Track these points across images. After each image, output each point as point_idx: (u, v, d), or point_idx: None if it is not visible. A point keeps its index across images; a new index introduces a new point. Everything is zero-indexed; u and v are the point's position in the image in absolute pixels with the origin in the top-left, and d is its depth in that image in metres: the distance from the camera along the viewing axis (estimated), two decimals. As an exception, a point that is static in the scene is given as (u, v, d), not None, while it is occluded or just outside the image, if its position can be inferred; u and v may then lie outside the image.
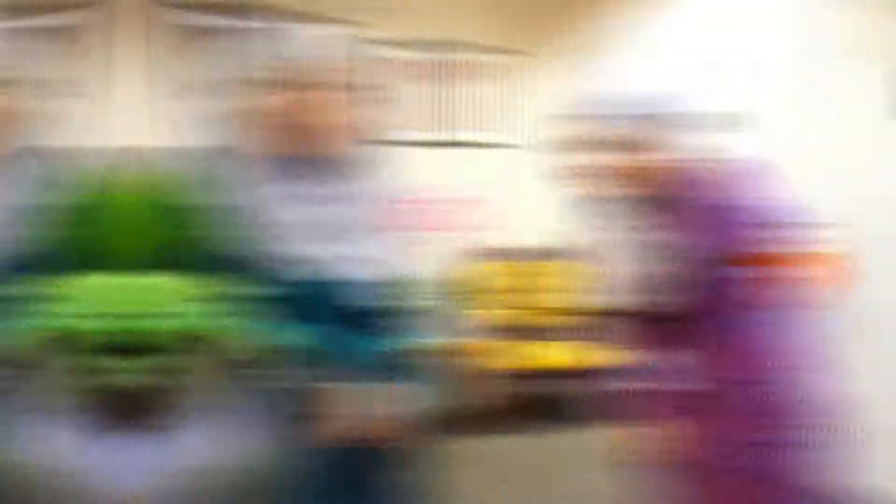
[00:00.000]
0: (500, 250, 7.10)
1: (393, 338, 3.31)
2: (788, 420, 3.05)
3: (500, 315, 7.01)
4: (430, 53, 6.53)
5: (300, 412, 3.19)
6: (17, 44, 3.72)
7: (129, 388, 3.37)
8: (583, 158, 3.21)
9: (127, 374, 3.38)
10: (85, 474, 3.32)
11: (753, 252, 3.06)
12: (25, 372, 3.32)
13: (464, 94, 6.93)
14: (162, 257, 3.43)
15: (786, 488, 3.05)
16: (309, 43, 3.28)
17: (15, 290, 3.39)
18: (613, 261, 3.28)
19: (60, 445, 3.35)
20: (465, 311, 6.88)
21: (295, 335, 3.23)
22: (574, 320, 6.56)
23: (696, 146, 3.22)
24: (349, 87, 3.26)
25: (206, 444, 3.31)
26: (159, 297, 3.37)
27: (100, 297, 3.36)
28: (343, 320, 3.27)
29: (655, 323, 3.23)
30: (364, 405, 3.13)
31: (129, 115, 3.66)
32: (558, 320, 6.88)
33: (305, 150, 3.30)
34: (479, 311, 6.97)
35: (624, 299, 3.26)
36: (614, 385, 3.34)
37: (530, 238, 6.85)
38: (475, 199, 6.84)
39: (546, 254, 7.10)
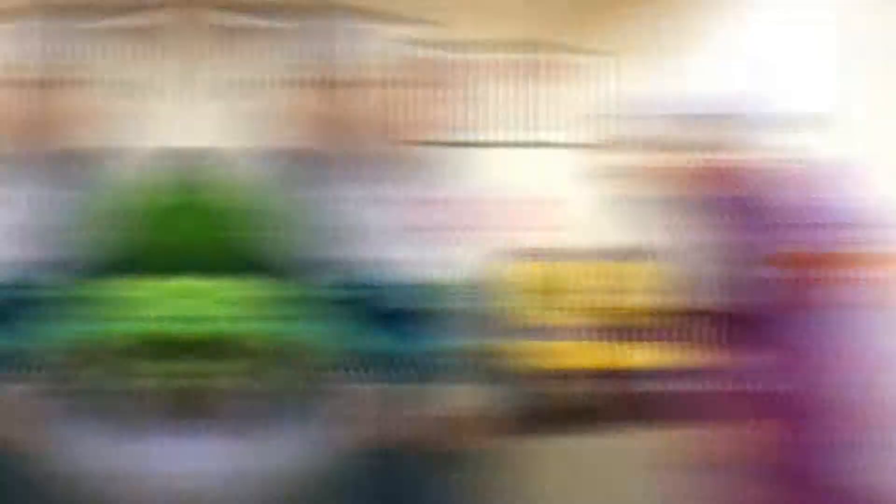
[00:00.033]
0: (576, 251, 7.08)
1: (459, 339, 3.32)
2: (858, 421, 3.02)
3: (573, 315, 6.99)
4: (513, 54, 6.53)
5: (370, 415, 3.19)
6: (95, 44, 3.77)
7: (210, 392, 3.39)
8: (662, 159, 3.20)
9: (208, 378, 3.41)
10: (168, 476, 3.36)
11: (829, 253, 3.03)
12: (109, 374, 3.35)
13: (547, 95, 6.92)
14: (237, 260, 3.46)
15: (851, 489, 3.02)
16: (381, 43, 3.29)
17: (97, 292, 3.43)
18: (688, 262, 3.26)
19: (143, 448, 3.39)
20: (534, 312, 6.86)
21: (366, 339, 3.24)
22: (649, 321, 6.52)
23: (775, 147, 3.19)
24: (420, 86, 3.27)
25: (286, 446, 3.33)
26: (238, 301, 3.39)
27: (182, 301, 3.40)
28: (408, 323, 3.27)
29: (730, 324, 3.21)
30: (431, 407, 3.14)
31: (207, 116, 3.70)
32: (633, 321, 6.83)
33: (372, 150, 3.32)
34: (551, 312, 6.94)
35: (699, 300, 3.24)
36: (687, 386, 3.32)
37: (608, 239, 6.82)
38: (552, 200, 6.82)
39: (622, 254, 7.06)
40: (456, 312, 3.28)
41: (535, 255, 6.70)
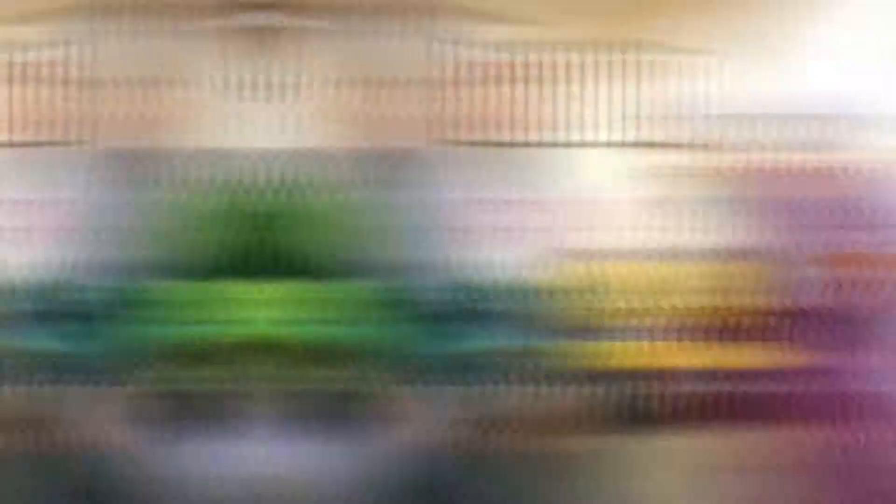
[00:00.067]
0: (673, 251, 6.93)
1: (533, 339, 3.30)
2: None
3: (668, 316, 6.86)
4: (616, 54, 6.47)
5: (435, 416, 3.17)
6: (184, 45, 3.73)
7: (313, 394, 3.36)
8: (759, 159, 3.12)
9: (317, 380, 3.37)
10: (268, 479, 3.32)
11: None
12: (222, 375, 3.33)
13: (650, 94, 6.84)
14: (333, 263, 3.42)
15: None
16: (478, 43, 3.24)
17: (195, 295, 3.40)
18: (787, 263, 3.16)
19: (251, 448, 3.35)
20: (627, 313, 6.77)
21: (439, 340, 3.21)
22: (748, 322, 6.39)
23: (870, 147, 3.09)
24: (517, 85, 3.22)
25: (383, 444, 3.28)
26: (341, 304, 3.34)
27: (295, 304, 3.35)
28: (487, 323, 3.25)
29: (831, 324, 3.10)
30: (507, 407, 3.11)
31: (295, 116, 3.65)
32: (731, 321, 6.70)
33: (443, 151, 3.28)
34: (647, 312, 6.83)
35: (799, 301, 3.14)
36: (785, 387, 3.23)
37: (706, 239, 6.68)
38: (648, 200, 6.72)
39: (723, 255, 6.90)
40: (529, 313, 3.22)
41: (631, 255, 6.59)
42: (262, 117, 3.76)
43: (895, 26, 6.04)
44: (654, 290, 6.54)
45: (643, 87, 6.25)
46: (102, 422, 3.45)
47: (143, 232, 3.47)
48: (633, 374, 6.31)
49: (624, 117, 5.87)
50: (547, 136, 4.02)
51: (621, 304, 6.51)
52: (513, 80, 3.90)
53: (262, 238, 3.44)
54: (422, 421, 3.27)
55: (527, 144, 6.55)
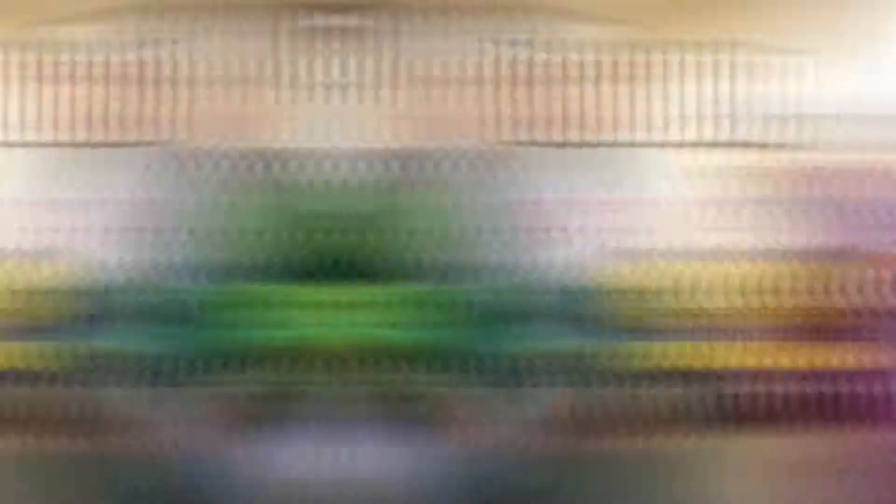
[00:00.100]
0: (764, 251, 6.89)
1: (601, 340, 3.29)
2: None
3: (756, 316, 6.82)
4: (708, 54, 6.44)
5: (518, 416, 3.17)
6: (292, 44, 3.72)
7: (409, 397, 3.35)
8: (838, 158, 3.08)
9: (379, 383, 3.36)
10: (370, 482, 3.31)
11: None
12: (323, 376, 3.33)
13: (743, 94, 6.81)
14: (392, 266, 3.41)
15: None
16: (539, 42, 3.23)
17: (289, 297, 3.40)
18: (862, 262, 3.13)
19: (318, 451, 3.35)
20: (721, 313, 6.75)
21: (509, 341, 3.21)
22: (837, 322, 6.35)
23: None
24: (610, 84, 3.20)
25: (444, 446, 3.28)
26: (400, 306, 3.33)
27: (398, 307, 3.35)
28: (561, 324, 3.24)
29: None
30: (573, 408, 3.10)
31: (381, 115, 3.65)
32: (822, 321, 6.65)
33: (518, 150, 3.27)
34: (738, 312, 6.80)
35: (880, 301, 3.11)
36: (875, 388, 3.20)
37: (800, 238, 6.64)
38: (747, 199, 6.68)
39: (815, 255, 6.85)
40: (591, 314, 3.22)
41: (702, 255, 6.56)
42: (329, 117, 3.76)
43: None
44: (730, 290, 6.52)
45: (721, 87, 6.24)
46: (192, 423, 3.46)
47: (234, 234, 3.47)
48: (704, 375, 6.29)
49: (698, 117, 5.86)
50: (616, 136, 3.99)
51: (688, 305, 6.49)
52: (582, 80, 3.88)
53: (320, 241, 3.43)
54: (482, 422, 3.25)
55: (593, 144, 6.53)
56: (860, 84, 3.40)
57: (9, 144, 3.90)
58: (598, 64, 3.90)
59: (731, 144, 3.54)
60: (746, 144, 6.50)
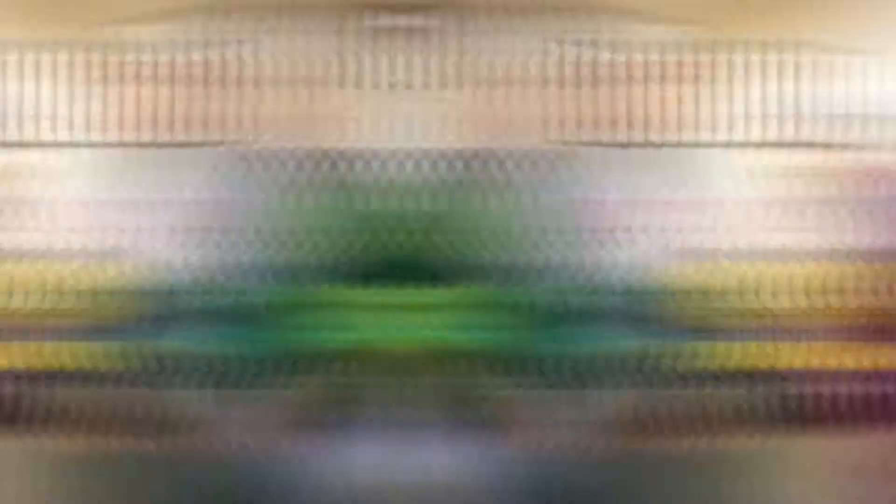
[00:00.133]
0: (825, 251, 6.87)
1: (665, 341, 3.29)
2: None
3: (818, 316, 6.80)
4: (773, 54, 6.44)
5: (582, 418, 3.17)
6: (357, 44, 3.72)
7: (448, 397, 3.35)
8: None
9: (441, 385, 3.36)
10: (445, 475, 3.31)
11: None
12: (387, 378, 3.33)
13: (808, 94, 6.79)
14: (455, 266, 3.41)
15: None
16: (605, 42, 3.23)
17: (361, 299, 3.40)
18: None
19: (381, 453, 3.35)
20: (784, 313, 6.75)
21: (571, 342, 3.21)
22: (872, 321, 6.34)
23: None
24: (678, 84, 3.19)
25: (508, 448, 3.28)
26: (463, 308, 3.33)
27: (462, 309, 3.35)
28: (625, 324, 3.25)
29: None
30: (633, 409, 3.11)
31: (445, 116, 3.66)
32: (879, 321, 6.65)
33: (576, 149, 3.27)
34: (779, 312, 6.79)
35: None
36: None
37: (858, 239, 6.62)
38: (787, 200, 6.67)
39: (875, 255, 6.84)
40: (655, 314, 3.22)
41: (768, 255, 6.56)
42: (394, 117, 3.77)
43: None
44: (794, 290, 6.52)
45: (785, 87, 6.23)
46: (257, 425, 3.46)
47: (299, 235, 3.47)
48: (768, 376, 6.28)
49: (763, 117, 5.86)
50: (681, 136, 4.00)
51: (753, 305, 6.49)
52: (647, 80, 3.89)
53: (384, 242, 3.44)
54: (545, 424, 3.26)
55: (658, 144, 6.53)
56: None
57: (75, 145, 3.93)
58: (662, 64, 3.90)
59: (795, 144, 3.56)
60: (811, 144, 6.49)
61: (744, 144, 6.11)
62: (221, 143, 3.71)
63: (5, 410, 3.81)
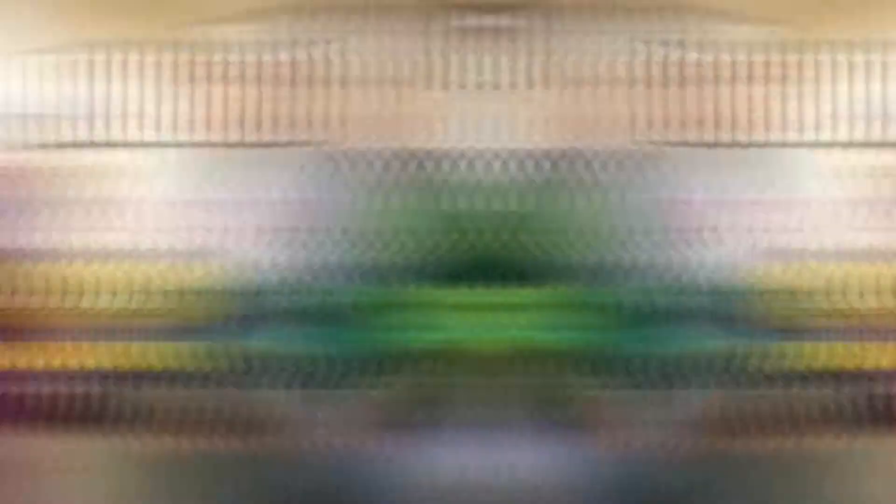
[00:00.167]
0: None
1: (751, 341, 3.29)
2: None
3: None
4: (860, 54, 6.42)
5: (668, 418, 3.17)
6: (444, 44, 3.72)
7: (533, 398, 3.35)
8: None
9: (527, 386, 3.36)
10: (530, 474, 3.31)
11: None
12: (473, 379, 3.32)
13: (894, 94, 6.78)
14: (541, 266, 3.40)
15: None
16: (689, 42, 3.22)
17: (452, 298, 3.39)
18: None
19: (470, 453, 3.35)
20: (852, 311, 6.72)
21: (657, 342, 3.21)
22: None
23: None
24: (760, 84, 3.19)
25: (594, 449, 3.27)
26: (548, 308, 3.32)
27: (548, 309, 3.34)
28: (712, 324, 3.24)
29: None
30: (720, 409, 3.10)
31: (527, 116, 3.66)
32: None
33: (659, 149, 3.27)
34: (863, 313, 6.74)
35: None
36: None
37: None
38: (871, 200, 6.65)
39: None
40: (740, 314, 3.22)
41: (852, 255, 6.54)
42: (480, 117, 3.78)
43: None
44: (881, 290, 6.49)
45: (872, 87, 6.22)
46: (343, 425, 3.46)
47: (386, 235, 3.47)
48: (855, 376, 6.24)
49: (850, 117, 5.84)
50: (768, 137, 3.99)
51: (839, 305, 6.44)
52: (734, 80, 3.89)
53: (471, 242, 3.43)
54: (632, 424, 3.25)
55: (745, 144, 6.51)
56: None
57: (162, 145, 3.94)
58: (749, 64, 3.89)
59: (882, 144, 3.55)
60: (884, 145, 6.49)
61: (830, 144, 6.10)
62: (308, 143, 3.72)
63: (93, 410, 3.82)
